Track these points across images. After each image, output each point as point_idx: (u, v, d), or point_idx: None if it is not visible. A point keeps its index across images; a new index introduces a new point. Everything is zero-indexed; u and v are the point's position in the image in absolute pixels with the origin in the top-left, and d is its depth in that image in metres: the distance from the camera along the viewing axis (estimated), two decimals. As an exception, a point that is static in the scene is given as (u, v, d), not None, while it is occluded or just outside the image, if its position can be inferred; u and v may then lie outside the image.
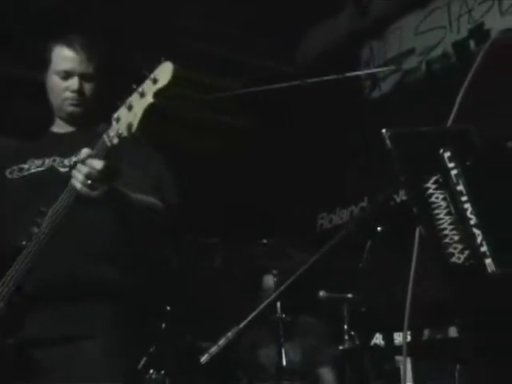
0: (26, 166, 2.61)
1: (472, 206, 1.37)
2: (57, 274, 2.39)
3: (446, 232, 1.39)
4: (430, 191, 1.40)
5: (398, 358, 3.54)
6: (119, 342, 2.43)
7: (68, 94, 2.62)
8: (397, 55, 5.96)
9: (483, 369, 1.63)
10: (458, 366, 2.01)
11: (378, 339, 3.49)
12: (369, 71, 6.14)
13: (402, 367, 3.39)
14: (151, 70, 2.10)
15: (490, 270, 1.36)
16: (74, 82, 2.61)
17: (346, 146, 6.09)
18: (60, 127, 2.73)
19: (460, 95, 1.57)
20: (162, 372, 4.51)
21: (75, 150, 2.37)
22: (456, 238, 1.39)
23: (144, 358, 4.28)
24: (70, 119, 2.68)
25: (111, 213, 2.43)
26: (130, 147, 2.46)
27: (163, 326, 4.73)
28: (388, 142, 1.41)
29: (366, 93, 6.21)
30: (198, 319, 5.44)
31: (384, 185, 1.64)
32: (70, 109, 2.64)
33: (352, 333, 3.98)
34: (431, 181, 1.40)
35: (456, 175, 1.38)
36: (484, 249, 1.36)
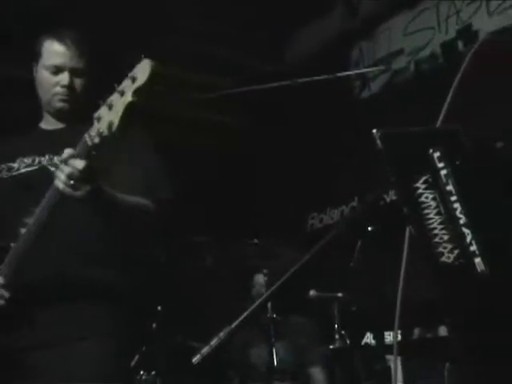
0: (15, 166, 2.58)
1: (461, 205, 1.38)
2: (47, 274, 2.38)
3: (435, 231, 1.40)
4: (420, 191, 1.41)
5: (389, 357, 3.56)
6: (112, 342, 2.42)
7: (58, 89, 2.58)
8: (386, 55, 5.97)
9: (473, 367, 1.64)
10: (447, 365, 2.02)
11: (368, 338, 3.50)
12: (359, 71, 6.15)
13: (392, 366, 3.41)
14: (131, 69, 2.11)
15: (479, 270, 1.36)
16: (64, 77, 2.56)
17: (336, 145, 6.10)
18: (49, 123, 2.70)
19: (449, 96, 1.58)
20: (153, 372, 4.51)
21: (65, 148, 2.36)
22: (445, 237, 1.39)
23: (136, 357, 4.28)
24: (59, 115, 2.65)
25: (98, 213, 2.42)
26: (120, 141, 2.47)
27: (154, 326, 4.73)
28: (378, 142, 1.41)
29: (356, 93, 6.22)
30: (189, 319, 5.44)
31: (374, 185, 1.65)
32: (60, 104, 2.60)
33: (342, 332, 3.99)
34: (421, 181, 1.40)
35: (445, 175, 1.39)
36: (473, 248, 1.37)
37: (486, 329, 1.44)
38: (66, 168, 2.20)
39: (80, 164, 2.19)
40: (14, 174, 2.58)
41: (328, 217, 6.26)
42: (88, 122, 2.24)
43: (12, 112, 5.06)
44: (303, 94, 5.89)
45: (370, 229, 3.28)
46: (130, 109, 2.10)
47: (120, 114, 2.11)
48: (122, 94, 2.11)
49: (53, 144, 2.54)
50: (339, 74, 5.75)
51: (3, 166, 2.60)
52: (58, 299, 2.38)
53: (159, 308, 4.82)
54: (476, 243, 1.37)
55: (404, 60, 5.78)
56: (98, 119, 2.16)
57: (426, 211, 1.40)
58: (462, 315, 1.47)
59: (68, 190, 2.21)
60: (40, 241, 2.32)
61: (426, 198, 1.40)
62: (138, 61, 2.10)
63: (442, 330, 2.04)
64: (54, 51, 2.59)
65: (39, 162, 2.56)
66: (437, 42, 5.47)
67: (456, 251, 1.39)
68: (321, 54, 6.29)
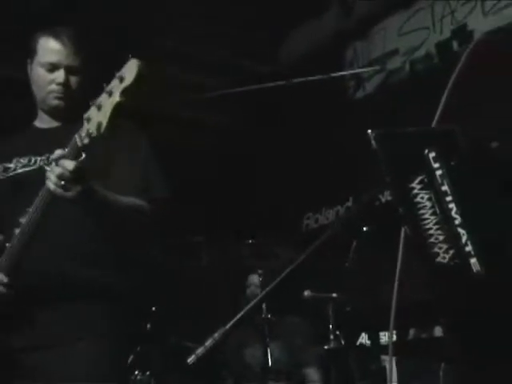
0: (11, 166, 2.57)
1: (457, 205, 1.38)
2: (42, 275, 2.38)
3: (431, 232, 1.40)
4: (415, 191, 1.41)
5: (384, 357, 3.55)
6: (109, 342, 2.42)
7: (53, 87, 2.55)
8: (381, 55, 5.98)
9: (468, 368, 1.64)
10: (442, 365, 2.02)
11: (363, 339, 3.49)
12: (354, 71, 6.15)
13: (387, 367, 3.41)
14: (119, 69, 2.10)
15: (474, 270, 1.36)
16: (59, 75, 2.53)
17: (330, 146, 6.10)
18: (44, 122, 2.68)
19: (444, 96, 1.58)
20: (148, 373, 4.50)
21: (60, 147, 2.34)
22: (441, 237, 1.39)
23: (130, 358, 4.28)
24: (54, 113, 2.62)
25: (90, 213, 2.41)
26: (116, 138, 2.47)
27: (148, 326, 4.73)
28: (373, 142, 1.41)
29: (351, 93, 6.23)
30: (184, 319, 5.43)
31: (369, 185, 1.64)
32: (55, 102, 2.57)
33: (337, 332, 3.99)
34: (416, 181, 1.40)
35: (441, 175, 1.38)
36: (469, 248, 1.37)
37: (481, 329, 1.44)
38: (56, 169, 2.20)
39: (70, 165, 2.18)
40: (11, 174, 2.56)
41: (323, 217, 6.26)
42: (83, 120, 2.23)
43: (6, 111, 5.06)
44: (298, 94, 5.90)
45: (365, 229, 3.28)
46: (118, 109, 2.10)
47: (108, 114, 2.11)
48: (110, 94, 2.11)
49: (48, 143, 2.50)
50: (334, 74, 5.77)
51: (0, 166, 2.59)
52: (53, 300, 2.38)
53: (154, 308, 4.82)
54: (471, 243, 1.37)
55: (399, 60, 5.79)
56: (88, 120, 2.16)
57: (422, 211, 1.40)
58: (457, 315, 1.47)
59: (59, 191, 2.21)
60: (34, 241, 2.31)
61: (422, 198, 1.40)
62: (126, 60, 2.09)
63: (438, 331, 2.04)
64: (50, 48, 2.56)
65: (35, 162, 2.55)
66: (432, 42, 5.48)
67: (451, 251, 1.39)
68: (315, 54, 6.29)
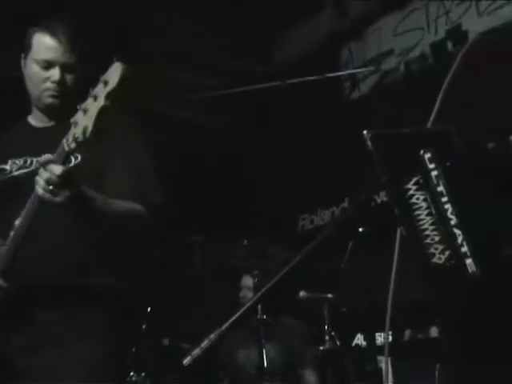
0: (7, 168, 2.54)
1: (452, 206, 1.38)
2: (39, 277, 2.37)
3: (426, 232, 1.40)
4: (411, 192, 1.40)
5: (380, 358, 3.56)
6: (108, 342, 2.41)
7: (48, 85, 2.50)
8: (376, 56, 5.98)
9: (463, 368, 1.64)
10: (438, 366, 2.02)
11: (359, 340, 3.50)
12: (349, 72, 6.15)
13: (383, 367, 3.41)
14: (104, 72, 2.09)
15: (470, 271, 1.36)
16: (55, 73, 2.48)
17: (326, 146, 6.10)
18: (38, 120, 2.64)
19: (440, 96, 1.58)
20: (143, 374, 4.50)
21: (55, 147, 2.32)
22: (437, 238, 1.39)
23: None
24: (48, 111, 2.58)
25: (81, 218, 2.38)
26: (112, 139, 2.45)
27: (144, 327, 4.72)
28: (369, 143, 1.41)
29: (346, 94, 6.23)
30: (179, 320, 5.43)
31: (365, 186, 1.64)
32: (50, 100, 2.53)
33: (332, 333, 3.99)
34: (412, 182, 1.40)
35: (436, 176, 1.38)
36: (464, 249, 1.37)
37: (477, 330, 1.44)
38: (44, 173, 2.17)
39: (58, 169, 2.16)
40: (7, 177, 2.53)
41: (319, 218, 6.26)
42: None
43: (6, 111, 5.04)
44: (293, 94, 5.90)
45: (360, 230, 3.28)
46: (103, 113, 2.08)
47: (93, 118, 2.08)
48: (96, 98, 2.08)
49: (44, 143, 2.46)
50: (329, 75, 5.76)
51: None
52: (51, 301, 2.37)
53: (149, 309, 4.82)
54: (467, 244, 1.37)
55: (394, 60, 5.79)
56: (75, 124, 2.14)
57: (417, 212, 1.40)
58: (453, 316, 1.47)
59: (47, 196, 2.18)
60: (27, 243, 2.30)
61: (417, 198, 1.40)
62: (110, 64, 2.08)
63: (433, 331, 2.04)
64: (45, 45, 2.50)
65: (31, 163, 2.51)
66: (426, 42, 5.48)
67: (447, 252, 1.38)
68: (311, 55, 6.29)
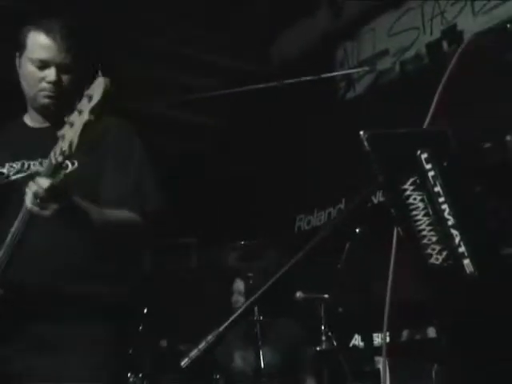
0: (4, 172, 2.51)
1: (449, 206, 1.38)
2: (36, 284, 2.35)
3: (424, 233, 1.40)
4: (408, 193, 1.40)
5: (378, 358, 3.55)
6: (107, 344, 2.41)
7: (44, 85, 2.46)
8: (371, 56, 5.98)
9: (461, 369, 1.64)
10: (435, 366, 2.02)
11: (356, 340, 3.50)
12: (344, 72, 6.15)
13: (381, 368, 3.41)
14: (88, 87, 2.08)
15: (468, 271, 1.36)
16: (50, 73, 2.44)
17: (322, 147, 6.10)
18: (34, 120, 2.60)
19: (436, 96, 1.58)
20: (140, 375, 4.50)
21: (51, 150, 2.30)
22: (434, 238, 1.39)
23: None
24: (44, 111, 2.54)
25: (75, 228, 2.36)
26: (110, 143, 2.44)
27: (140, 328, 4.72)
28: (366, 143, 1.41)
29: (341, 94, 6.23)
30: (175, 321, 5.42)
31: (361, 186, 1.64)
32: (45, 101, 2.49)
33: (329, 334, 3.99)
34: (409, 182, 1.40)
35: (433, 176, 1.38)
36: (462, 249, 1.37)
37: (474, 330, 1.44)
38: (32, 186, 2.15)
39: (45, 183, 2.13)
40: (5, 182, 2.49)
41: (315, 219, 6.26)
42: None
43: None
44: (289, 95, 5.90)
45: (357, 230, 3.28)
46: (88, 128, 2.07)
47: (78, 133, 2.07)
48: (80, 112, 2.08)
49: (41, 146, 2.43)
50: (324, 76, 5.76)
51: None
52: (49, 307, 2.36)
53: (145, 310, 4.81)
54: (465, 244, 1.36)
55: (389, 61, 5.79)
56: (62, 137, 2.12)
57: (414, 213, 1.40)
58: (450, 317, 1.47)
59: (35, 209, 2.16)
60: (21, 251, 2.27)
61: (414, 199, 1.40)
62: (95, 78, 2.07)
63: (431, 332, 2.04)
64: (40, 44, 2.46)
65: (28, 167, 2.48)
66: (422, 42, 5.48)
67: (444, 253, 1.38)
68: (306, 55, 6.30)
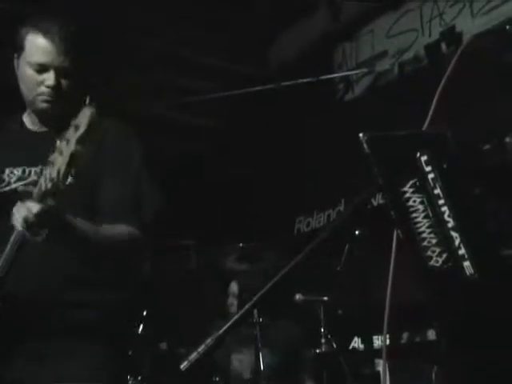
0: (5, 178, 2.47)
1: (449, 209, 1.38)
2: (33, 298, 2.33)
3: (423, 235, 1.40)
4: (408, 195, 1.40)
5: (378, 361, 3.55)
6: (107, 346, 2.40)
7: (43, 89, 2.40)
8: (369, 58, 5.98)
9: (460, 371, 1.63)
10: (435, 368, 2.01)
11: (356, 343, 3.49)
12: (342, 74, 6.15)
13: (381, 371, 3.40)
14: (76, 116, 2.06)
15: (468, 273, 1.36)
16: (49, 77, 2.38)
17: (321, 149, 6.10)
18: (34, 123, 2.56)
19: (435, 97, 1.57)
20: (139, 378, 4.49)
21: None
22: (434, 241, 1.39)
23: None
24: (42, 115, 2.50)
25: (68, 246, 2.33)
26: (108, 149, 2.43)
27: (140, 330, 4.71)
28: (365, 146, 1.40)
29: (340, 95, 6.23)
30: (175, 323, 5.42)
31: (361, 188, 1.64)
32: (44, 105, 2.44)
33: (329, 336, 3.98)
34: (408, 184, 1.40)
35: (433, 179, 1.38)
36: (462, 251, 1.36)
37: (474, 332, 1.44)
38: (22, 210, 2.11)
39: (34, 208, 2.09)
40: (6, 189, 2.45)
41: (315, 221, 6.26)
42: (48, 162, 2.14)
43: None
44: (288, 96, 5.90)
45: (357, 233, 3.28)
46: (76, 157, 2.05)
47: (66, 162, 2.05)
48: (68, 141, 2.06)
49: (41, 152, 2.31)
50: (323, 77, 5.77)
51: None
52: (48, 315, 2.35)
53: (145, 312, 4.81)
54: (464, 246, 1.36)
55: (388, 62, 5.79)
56: (52, 164, 2.09)
57: (414, 215, 1.40)
58: (450, 319, 1.47)
59: (27, 234, 2.13)
60: (20, 261, 2.24)
61: (414, 201, 1.40)
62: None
63: (431, 334, 2.03)
64: (38, 47, 2.40)
65: (29, 174, 2.44)
66: (420, 43, 5.48)
67: (444, 255, 1.38)
68: (304, 57, 6.30)
